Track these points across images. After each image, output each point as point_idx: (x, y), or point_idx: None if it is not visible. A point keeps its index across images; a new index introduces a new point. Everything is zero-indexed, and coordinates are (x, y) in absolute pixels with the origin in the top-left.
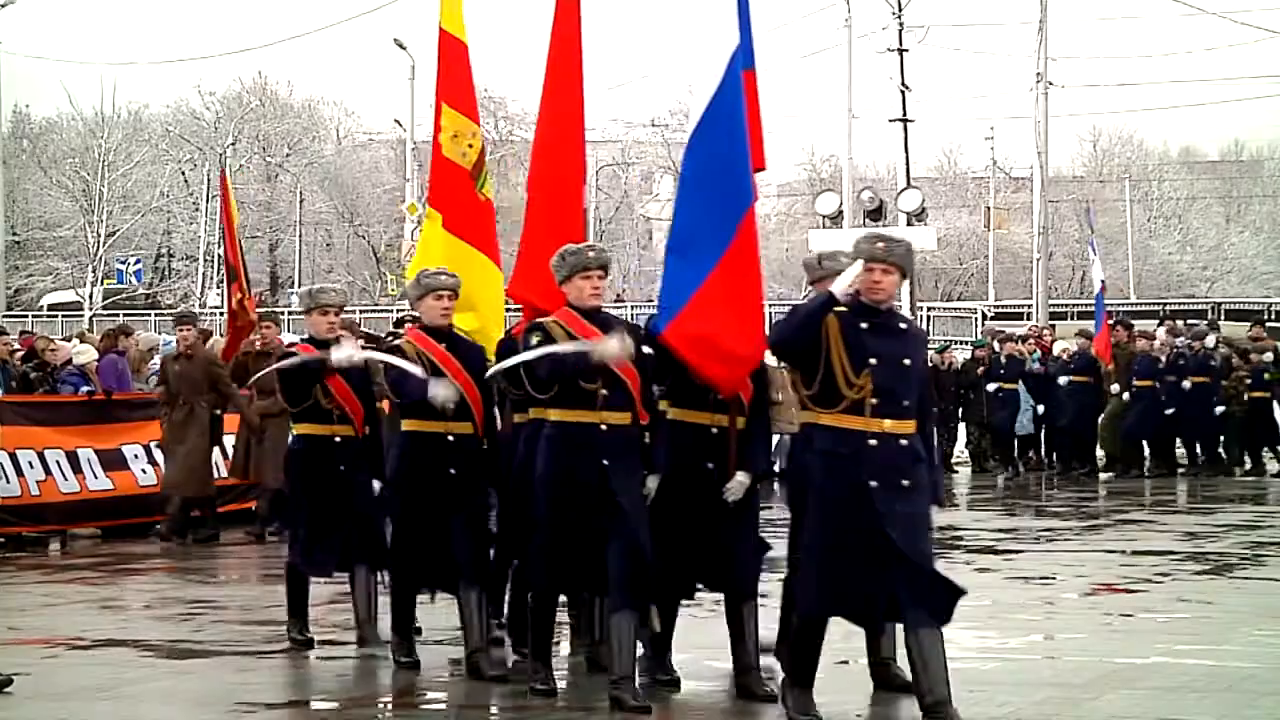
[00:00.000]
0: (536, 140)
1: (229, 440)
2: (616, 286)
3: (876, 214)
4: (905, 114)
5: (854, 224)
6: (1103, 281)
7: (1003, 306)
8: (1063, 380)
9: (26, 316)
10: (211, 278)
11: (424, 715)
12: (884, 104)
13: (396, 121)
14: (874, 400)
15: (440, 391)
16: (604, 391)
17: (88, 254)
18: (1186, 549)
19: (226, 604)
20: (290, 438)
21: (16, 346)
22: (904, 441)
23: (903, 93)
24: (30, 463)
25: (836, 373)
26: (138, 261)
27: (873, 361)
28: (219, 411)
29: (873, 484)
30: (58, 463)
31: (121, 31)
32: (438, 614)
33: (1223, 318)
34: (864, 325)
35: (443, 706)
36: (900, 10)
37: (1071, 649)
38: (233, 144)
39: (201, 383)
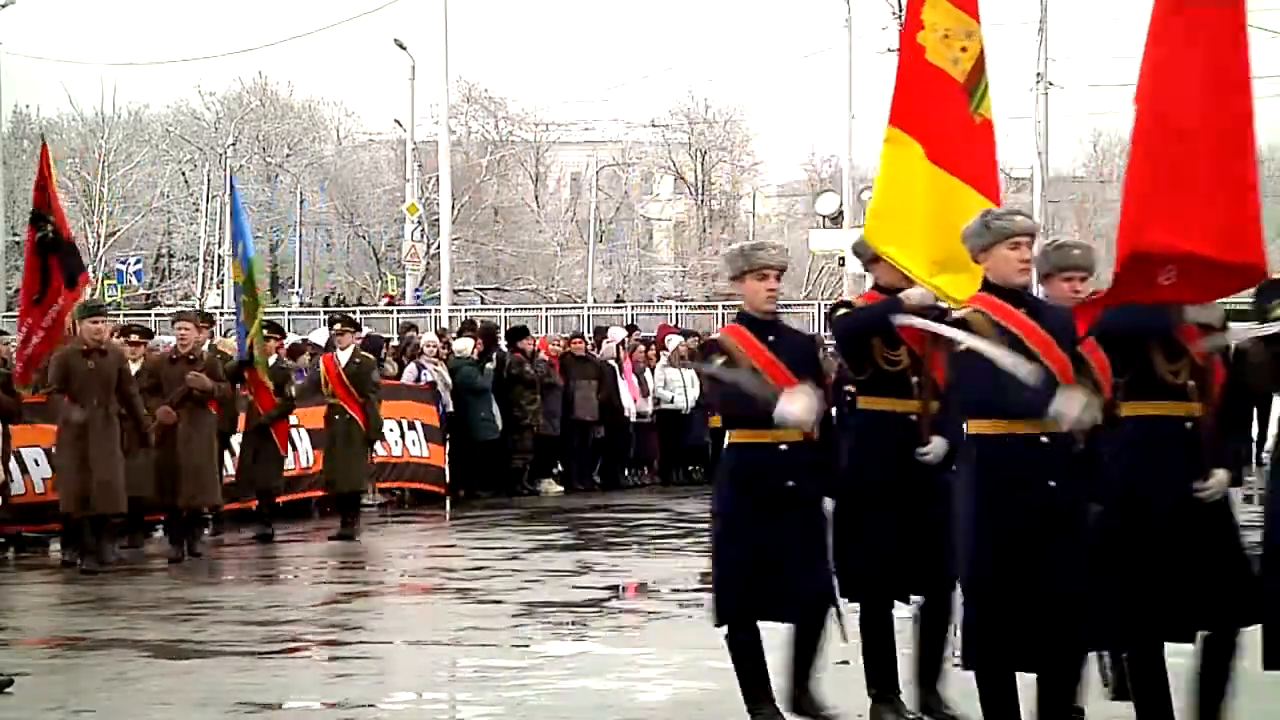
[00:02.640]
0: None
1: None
2: (617, 286)
3: None
4: None
5: (854, 224)
6: None
7: None
8: None
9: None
10: (211, 278)
11: (425, 715)
12: (884, 104)
13: (396, 122)
14: None
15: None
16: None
17: (88, 254)
18: None
19: (226, 604)
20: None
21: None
22: None
23: None
24: (36, 460)
25: None
26: (138, 261)
27: None
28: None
29: None
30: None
31: (121, 31)
32: (430, 618)
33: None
34: None
35: (444, 704)
36: (900, 10)
37: None
38: (233, 144)
39: (112, 384)
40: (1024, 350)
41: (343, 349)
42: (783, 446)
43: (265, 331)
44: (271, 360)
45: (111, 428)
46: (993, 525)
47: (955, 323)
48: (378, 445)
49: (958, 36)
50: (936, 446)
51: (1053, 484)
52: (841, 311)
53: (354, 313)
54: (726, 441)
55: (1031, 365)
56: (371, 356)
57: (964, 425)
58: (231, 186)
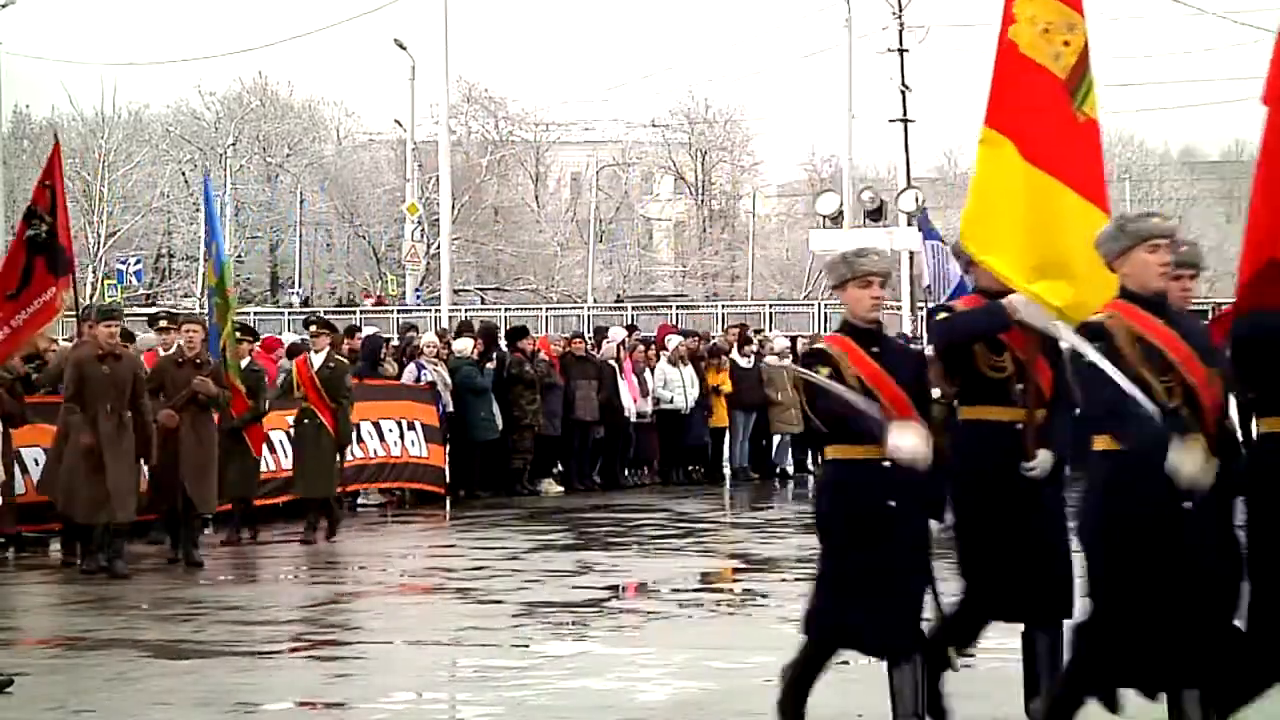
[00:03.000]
0: None
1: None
2: (617, 286)
3: (877, 214)
4: (905, 114)
5: (854, 224)
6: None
7: None
8: None
9: None
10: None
11: (425, 715)
12: (884, 104)
13: (397, 122)
14: None
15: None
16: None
17: (88, 254)
18: None
19: (226, 604)
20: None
21: None
22: None
23: (903, 93)
24: (36, 460)
25: None
26: (138, 261)
27: None
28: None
29: None
30: None
31: (121, 31)
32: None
33: None
34: None
35: (444, 704)
36: (900, 10)
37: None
38: (233, 144)
39: (127, 389)
40: (1163, 363)
41: (317, 351)
42: (885, 464)
43: (238, 334)
44: (244, 363)
45: (125, 435)
46: (1120, 547)
47: (1091, 330)
48: (377, 446)
49: (1059, 30)
50: (1043, 460)
51: (1187, 505)
52: (941, 315)
53: (354, 313)
54: (826, 456)
55: None
56: (346, 360)
57: (1089, 440)
58: (206, 188)
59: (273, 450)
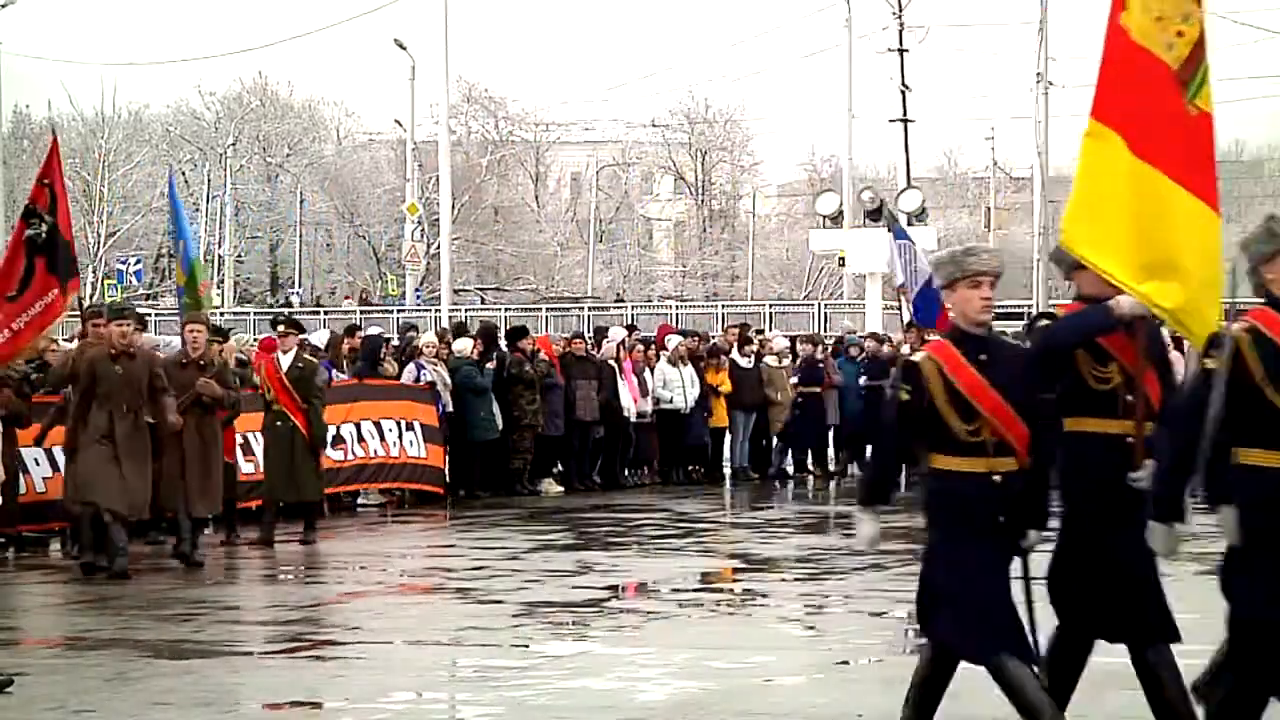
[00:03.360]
0: None
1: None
2: (617, 286)
3: (876, 214)
4: (905, 114)
5: (854, 224)
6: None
7: (1003, 306)
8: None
9: None
10: (212, 277)
11: (425, 715)
12: (884, 104)
13: (397, 122)
14: None
15: None
16: None
17: (88, 254)
18: (1187, 549)
19: (226, 604)
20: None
21: None
22: None
23: (903, 93)
24: (36, 460)
25: None
26: (138, 261)
27: None
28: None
29: None
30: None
31: (121, 31)
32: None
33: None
34: None
35: (444, 704)
36: (900, 10)
37: None
38: (233, 144)
39: (142, 388)
40: None
41: (284, 351)
42: (996, 477)
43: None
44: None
45: (140, 435)
46: (1265, 565)
47: (1215, 341)
48: (377, 446)
49: (1173, 20)
50: (1151, 471)
51: None
52: (1042, 323)
53: (355, 315)
54: (930, 465)
55: None
56: (314, 360)
57: (1231, 453)
58: (170, 186)
59: None
